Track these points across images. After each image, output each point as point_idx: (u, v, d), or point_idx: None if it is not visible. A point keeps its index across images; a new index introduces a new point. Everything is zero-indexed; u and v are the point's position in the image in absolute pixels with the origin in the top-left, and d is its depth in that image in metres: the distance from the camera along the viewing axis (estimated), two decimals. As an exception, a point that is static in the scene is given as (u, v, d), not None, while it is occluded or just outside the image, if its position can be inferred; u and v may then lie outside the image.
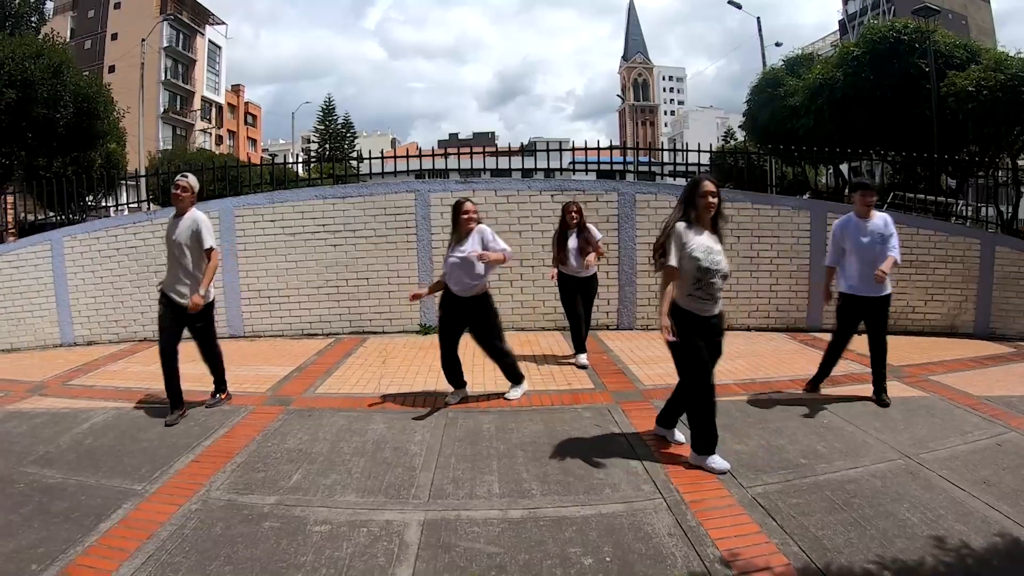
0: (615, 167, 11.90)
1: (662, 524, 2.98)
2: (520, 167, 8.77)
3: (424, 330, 7.52)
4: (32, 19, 19.43)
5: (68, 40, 31.06)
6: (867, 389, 4.78)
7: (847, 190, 5.14)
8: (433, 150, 10.55)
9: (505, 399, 4.85)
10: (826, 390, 5.00)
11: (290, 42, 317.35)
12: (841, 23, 49.59)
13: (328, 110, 53.36)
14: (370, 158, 8.50)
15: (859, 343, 4.94)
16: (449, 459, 3.78)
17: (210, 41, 50.79)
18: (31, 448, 4.05)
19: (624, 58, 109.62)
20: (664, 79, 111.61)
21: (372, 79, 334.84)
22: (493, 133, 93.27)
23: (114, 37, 43.30)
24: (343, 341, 7.25)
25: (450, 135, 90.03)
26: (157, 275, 6.37)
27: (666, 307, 3.49)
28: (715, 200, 3.51)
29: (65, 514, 3.14)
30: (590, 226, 5.89)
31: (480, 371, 5.63)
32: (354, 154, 45.86)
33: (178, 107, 46.75)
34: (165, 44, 44.20)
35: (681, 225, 3.50)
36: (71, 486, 3.48)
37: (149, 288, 7.23)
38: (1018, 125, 12.22)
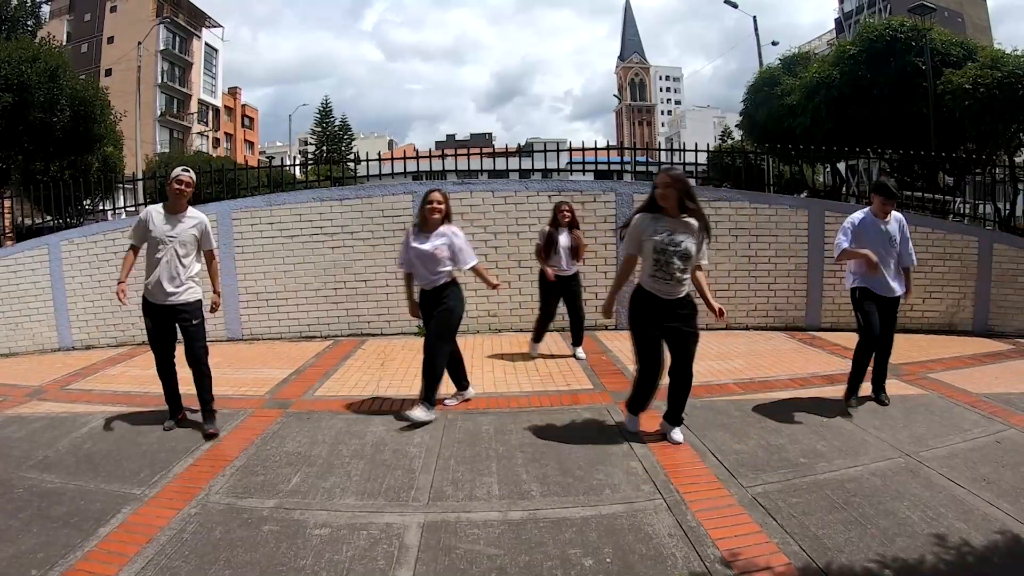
0: (612, 167, 11.91)
1: (662, 525, 2.97)
2: (518, 168, 8.74)
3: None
4: (28, 23, 19.39)
5: (64, 44, 31.05)
6: (865, 388, 4.77)
7: (870, 190, 4.97)
8: (430, 151, 10.54)
9: (404, 415, 4.37)
10: (825, 389, 5.00)
11: (288, 44, 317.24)
12: (837, 22, 49.73)
13: (325, 112, 53.40)
14: (367, 160, 8.48)
15: (851, 341, 4.87)
16: (448, 461, 3.77)
17: (207, 44, 50.78)
18: (30, 453, 4.04)
19: (620, 58, 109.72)
20: (661, 79, 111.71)
21: (370, 81, 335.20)
22: (490, 134, 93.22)
23: (110, 41, 43.31)
24: (341, 343, 7.24)
25: (447, 136, 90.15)
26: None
27: (613, 290, 3.97)
28: (669, 189, 3.66)
29: (64, 519, 3.13)
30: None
31: (479, 371, 5.63)
32: (351, 156, 45.83)
33: (175, 110, 46.72)
34: (161, 47, 44.19)
35: (638, 216, 3.80)
36: (70, 491, 3.47)
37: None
38: (1015, 122, 12.23)
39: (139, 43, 31.57)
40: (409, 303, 4.71)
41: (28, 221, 9.68)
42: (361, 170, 8.61)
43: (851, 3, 48.64)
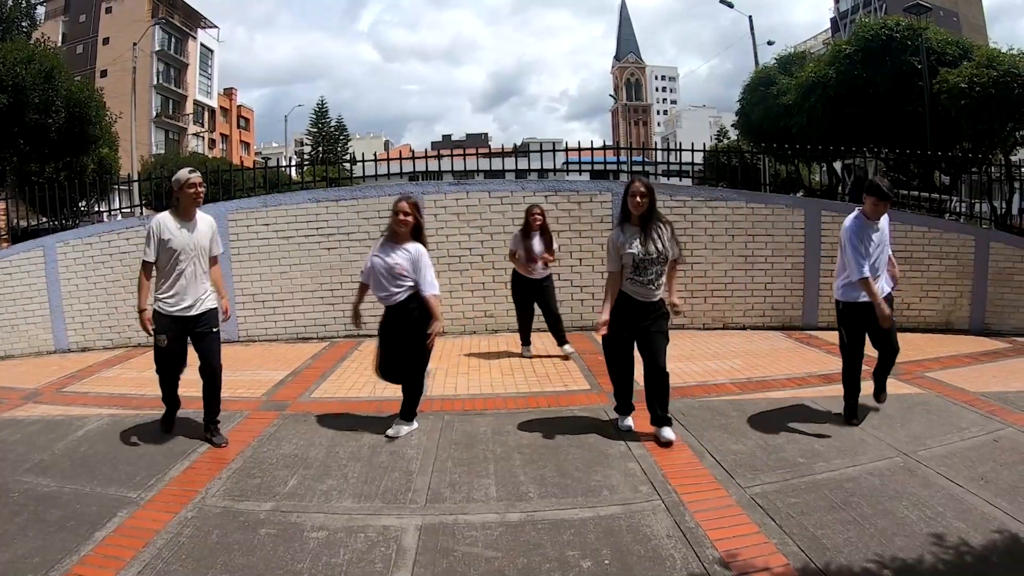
0: (608, 167, 11.91)
1: (660, 526, 2.97)
2: (514, 168, 8.73)
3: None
4: (23, 24, 19.31)
5: (60, 45, 30.99)
6: (865, 387, 4.76)
7: (863, 191, 4.67)
8: (426, 152, 10.53)
9: (387, 436, 4.18)
10: (824, 389, 5.00)
11: (284, 45, 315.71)
12: (833, 21, 49.76)
13: (321, 113, 53.33)
14: (363, 161, 8.47)
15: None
16: (446, 463, 3.76)
17: (202, 45, 50.68)
18: (26, 456, 4.02)
19: (616, 58, 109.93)
20: (657, 78, 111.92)
21: (367, 82, 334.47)
22: (487, 134, 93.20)
23: (106, 42, 43.15)
24: (338, 345, 7.22)
25: (443, 137, 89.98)
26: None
27: (606, 306, 3.99)
28: (643, 199, 3.86)
29: (60, 523, 3.11)
30: None
31: (476, 372, 5.62)
32: (347, 157, 45.82)
33: (171, 111, 46.60)
34: (157, 48, 44.09)
35: (613, 234, 4.02)
36: (66, 494, 3.45)
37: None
38: (1011, 121, 12.24)
39: (134, 44, 31.44)
40: (353, 311, 4.47)
41: (23, 223, 9.63)
42: (357, 171, 8.59)
43: (847, 2, 48.66)
